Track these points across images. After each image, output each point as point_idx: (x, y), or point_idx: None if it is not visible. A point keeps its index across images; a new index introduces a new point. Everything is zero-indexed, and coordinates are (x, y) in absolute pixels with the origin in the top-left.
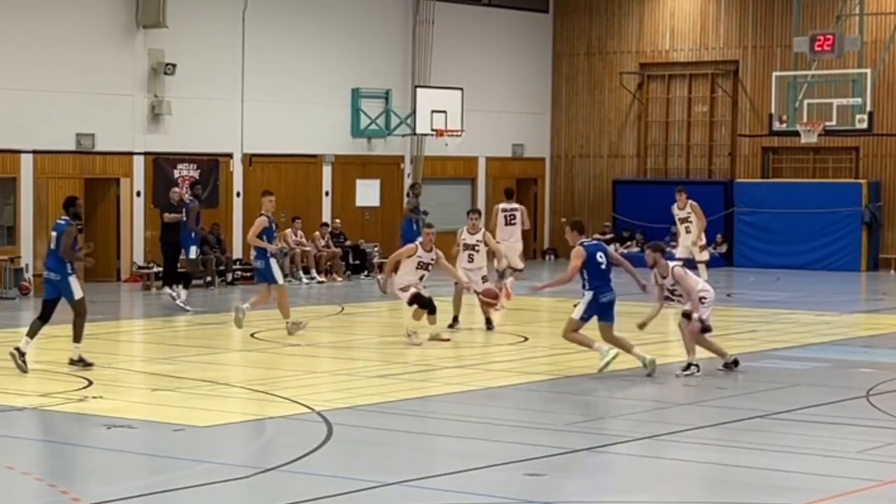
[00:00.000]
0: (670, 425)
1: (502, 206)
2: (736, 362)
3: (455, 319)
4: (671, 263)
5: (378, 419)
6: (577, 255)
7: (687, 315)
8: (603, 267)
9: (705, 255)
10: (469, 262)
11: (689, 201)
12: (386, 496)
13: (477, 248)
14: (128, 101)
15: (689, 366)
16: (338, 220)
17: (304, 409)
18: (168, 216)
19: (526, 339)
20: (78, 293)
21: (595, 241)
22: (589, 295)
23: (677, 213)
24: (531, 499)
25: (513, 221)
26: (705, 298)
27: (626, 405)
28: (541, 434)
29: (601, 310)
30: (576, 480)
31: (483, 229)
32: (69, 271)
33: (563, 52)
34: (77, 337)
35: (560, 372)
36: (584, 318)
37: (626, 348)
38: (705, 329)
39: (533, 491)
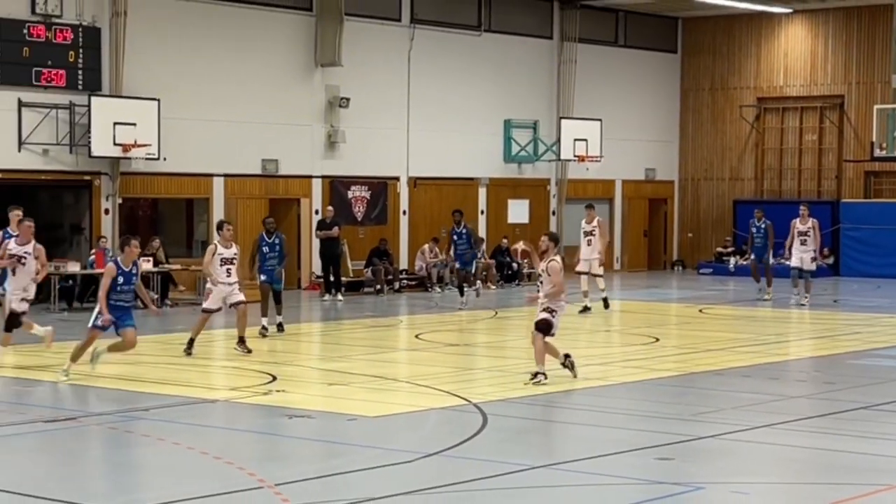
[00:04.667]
0: (784, 415)
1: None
2: (567, 356)
3: (240, 340)
4: (557, 258)
5: (527, 410)
6: (110, 272)
7: (541, 328)
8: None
9: (600, 271)
10: (227, 276)
11: (598, 218)
12: (534, 477)
13: (234, 261)
14: (307, 131)
15: (536, 374)
16: (505, 239)
17: (462, 402)
18: (320, 233)
19: (657, 339)
20: None
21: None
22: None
23: (584, 226)
24: (661, 480)
25: None
26: (561, 306)
27: (745, 398)
28: (670, 423)
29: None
30: (700, 464)
31: (234, 242)
32: None
33: (689, 87)
34: None
35: (687, 369)
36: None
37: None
38: (548, 326)
39: (662, 473)
